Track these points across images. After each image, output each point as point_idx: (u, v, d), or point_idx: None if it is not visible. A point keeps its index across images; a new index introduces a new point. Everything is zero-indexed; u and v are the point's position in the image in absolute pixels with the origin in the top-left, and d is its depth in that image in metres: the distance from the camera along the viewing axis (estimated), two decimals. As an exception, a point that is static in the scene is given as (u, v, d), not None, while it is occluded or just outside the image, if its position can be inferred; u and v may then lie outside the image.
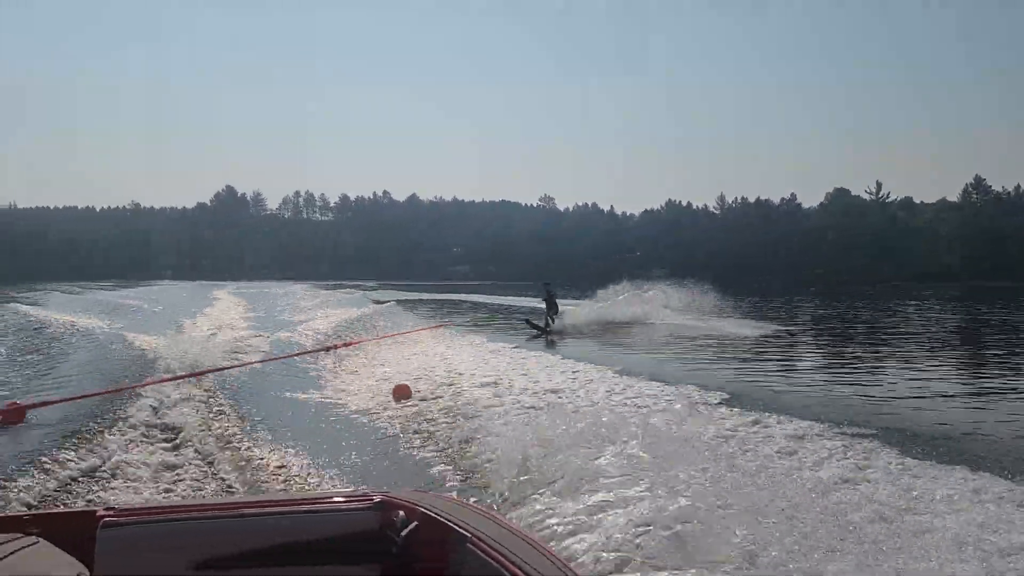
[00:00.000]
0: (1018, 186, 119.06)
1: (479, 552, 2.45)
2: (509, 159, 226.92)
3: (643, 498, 5.84)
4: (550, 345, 22.35)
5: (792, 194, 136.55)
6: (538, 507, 6.35)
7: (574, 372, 13.99)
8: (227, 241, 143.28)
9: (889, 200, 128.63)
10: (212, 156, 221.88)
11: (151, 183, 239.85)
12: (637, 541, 5.20)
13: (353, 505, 3.09)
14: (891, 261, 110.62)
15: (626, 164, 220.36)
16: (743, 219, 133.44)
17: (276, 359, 13.83)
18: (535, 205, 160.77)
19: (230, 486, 7.67)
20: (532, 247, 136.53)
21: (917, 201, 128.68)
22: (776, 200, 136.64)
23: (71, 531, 2.56)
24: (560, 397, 11.15)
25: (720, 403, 11.14)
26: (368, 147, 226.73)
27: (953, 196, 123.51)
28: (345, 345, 13.59)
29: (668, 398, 11.34)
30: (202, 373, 11.33)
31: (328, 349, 12.81)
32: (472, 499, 6.73)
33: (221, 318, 27.61)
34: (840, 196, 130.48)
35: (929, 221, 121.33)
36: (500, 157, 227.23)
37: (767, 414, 10.02)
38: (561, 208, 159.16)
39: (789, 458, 8.08)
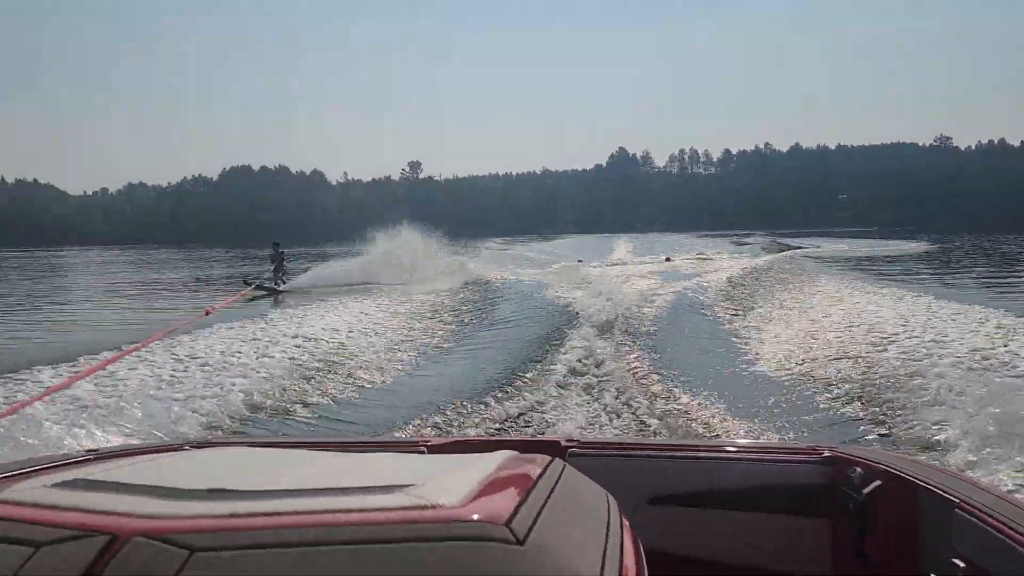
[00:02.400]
0: None
1: (972, 519, 2.02)
2: (892, 96, 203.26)
3: None
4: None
5: None
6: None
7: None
8: (620, 198, 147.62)
9: None
10: (604, 122, 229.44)
11: (554, 149, 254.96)
12: None
13: (800, 458, 2.81)
14: None
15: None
16: None
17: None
18: (928, 145, 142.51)
19: (654, 428, 7.53)
20: (927, 191, 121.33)
21: None
22: None
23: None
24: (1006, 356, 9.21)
25: None
26: (745, 101, 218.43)
27: None
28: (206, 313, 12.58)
29: None
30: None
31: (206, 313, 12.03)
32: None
33: (625, 269, 28.14)
34: None
35: None
36: (880, 94, 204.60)
37: None
38: (962, 147, 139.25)
39: None
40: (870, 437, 6.97)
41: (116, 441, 6.55)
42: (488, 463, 1.38)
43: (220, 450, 2.00)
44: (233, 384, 8.81)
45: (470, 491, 1.11)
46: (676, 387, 8.95)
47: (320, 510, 1.02)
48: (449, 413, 7.91)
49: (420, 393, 9.29)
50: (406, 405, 8.60)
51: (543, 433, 7.31)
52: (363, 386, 9.77)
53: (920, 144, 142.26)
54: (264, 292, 23.35)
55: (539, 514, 1.10)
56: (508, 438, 4.91)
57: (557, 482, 1.38)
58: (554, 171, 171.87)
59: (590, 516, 1.35)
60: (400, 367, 10.97)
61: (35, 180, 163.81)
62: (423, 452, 2.68)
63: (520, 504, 1.10)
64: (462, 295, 20.52)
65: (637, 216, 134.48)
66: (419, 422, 7.64)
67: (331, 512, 1.01)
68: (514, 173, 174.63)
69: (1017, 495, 4.72)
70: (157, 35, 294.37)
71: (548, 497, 1.22)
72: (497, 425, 7.63)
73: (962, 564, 2.11)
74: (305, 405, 8.64)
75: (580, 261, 36.63)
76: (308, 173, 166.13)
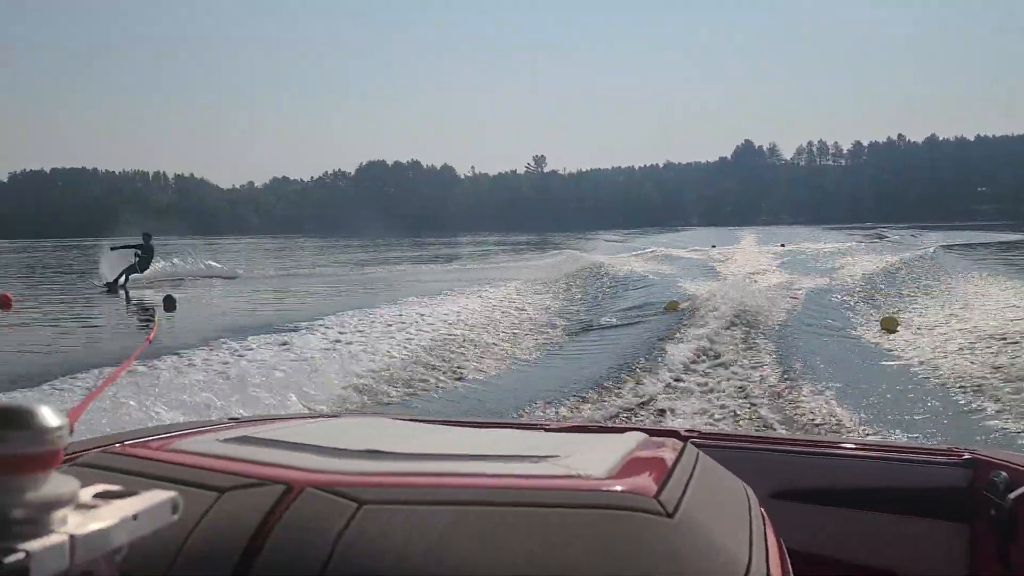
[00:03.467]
0: None
1: None
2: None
3: None
4: None
5: None
6: None
7: None
8: (745, 190, 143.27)
9: None
10: (728, 112, 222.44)
11: (677, 140, 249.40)
12: None
13: (938, 459, 2.55)
14: None
15: None
16: None
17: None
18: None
19: (777, 423, 7.07)
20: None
21: None
22: None
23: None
24: None
25: None
26: (875, 87, 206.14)
27: None
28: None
29: None
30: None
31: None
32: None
33: (752, 262, 27.06)
34: None
35: None
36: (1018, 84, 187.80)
37: None
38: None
39: None
40: (1018, 441, 6.30)
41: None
42: (626, 441, 1.35)
43: (364, 419, 2.01)
44: (350, 367, 8.96)
45: (613, 465, 1.11)
46: (803, 382, 8.37)
47: (474, 473, 1.05)
48: (566, 400, 7.73)
49: (538, 380, 9.16)
50: (523, 392, 8.47)
51: (660, 423, 7.08)
52: (481, 372, 9.72)
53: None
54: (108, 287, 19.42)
55: (684, 492, 1.08)
56: (628, 425, 4.78)
57: (695, 466, 1.32)
58: (677, 164, 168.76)
59: (731, 501, 1.30)
60: (518, 354, 10.87)
61: (191, 175, 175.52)
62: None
63: (665, 480, 1.08)
64: (581, 286, 20.29)
65: (762, 209, 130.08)
66: (537, 408, 7.53)
67: (485, 476, 1.04)
68: (636, 167, 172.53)
69: None
70: (288, 37, 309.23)
71: (690, 478, 1.19)
72: (615, 413, 7.40)
73: None
74: (425, 390, 8.67)
75: (714, 246, 37.89)
76: (439, 167, 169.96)
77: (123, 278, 19.89)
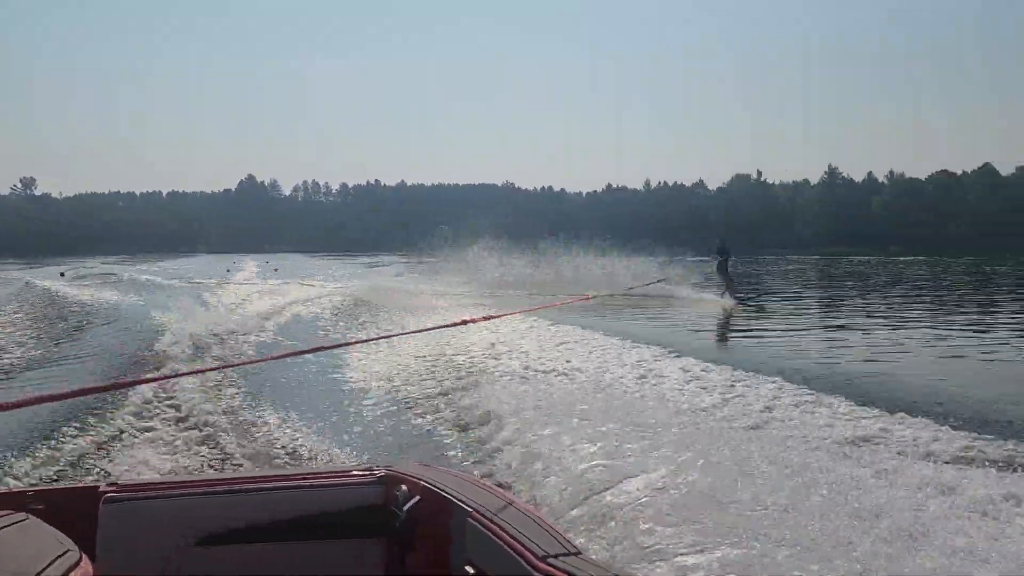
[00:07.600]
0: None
1: (479, 526, 2.05)
2: (477, 144, 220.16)
3: (656, 473, 4.78)
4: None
5: (700, 179, 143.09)
6: (544, 482, 5.29)
7: (587, 345, 11.97)
8: (251, 221, 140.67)
9: (772, 183, 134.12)
10: (237, 145, 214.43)
11: (184, 170, 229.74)
12: (643, 517, 4.19)
13: (357, 480, 2.62)
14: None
15: (573, 150, 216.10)
16: (663, 198, 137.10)
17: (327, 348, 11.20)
18: (500, 185, 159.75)
19: (235, 462, 6.49)
20: (499, 224, 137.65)
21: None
22: (689, 183, 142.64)
23: (73, 507, 2.27)
24: (576, 371, 9.45)
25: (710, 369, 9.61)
26: (360, 135, 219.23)
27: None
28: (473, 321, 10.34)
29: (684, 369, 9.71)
30: (212, 369, 9.63)
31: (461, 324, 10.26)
32: (478, 473, 5.73)
33: (242, 289, 25.87)
34: (738, 180, 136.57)
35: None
36: (465, 142, 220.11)
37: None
38: (526, 188, 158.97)
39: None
40: (442, 455, 6.63)
41: None
42: None
43: None
44: None
45: None
46: (263, 416, 7.89)
47: None
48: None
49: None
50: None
51: (97, 475, 6.03)
52: None
53: (500, 184, 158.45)
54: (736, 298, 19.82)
55: None
56: (35, 487, 3.92)
57: None
58: (182, 192, 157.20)
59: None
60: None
61: None
62: None
63: None
64: (44, 319, 16.82)
65: (268, 238, 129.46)
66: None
67: None
68: (138, 192, 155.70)
69: (525, 502, 4.87)
70: None
71: None
72: (37, 475, 5.89)
73: (472, 570, 2.04)
74: None
75: (228, 270, 35.11)
76: None
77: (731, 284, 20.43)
